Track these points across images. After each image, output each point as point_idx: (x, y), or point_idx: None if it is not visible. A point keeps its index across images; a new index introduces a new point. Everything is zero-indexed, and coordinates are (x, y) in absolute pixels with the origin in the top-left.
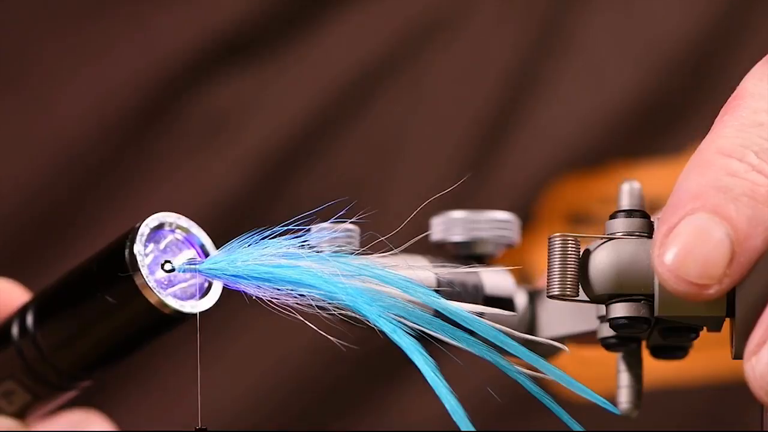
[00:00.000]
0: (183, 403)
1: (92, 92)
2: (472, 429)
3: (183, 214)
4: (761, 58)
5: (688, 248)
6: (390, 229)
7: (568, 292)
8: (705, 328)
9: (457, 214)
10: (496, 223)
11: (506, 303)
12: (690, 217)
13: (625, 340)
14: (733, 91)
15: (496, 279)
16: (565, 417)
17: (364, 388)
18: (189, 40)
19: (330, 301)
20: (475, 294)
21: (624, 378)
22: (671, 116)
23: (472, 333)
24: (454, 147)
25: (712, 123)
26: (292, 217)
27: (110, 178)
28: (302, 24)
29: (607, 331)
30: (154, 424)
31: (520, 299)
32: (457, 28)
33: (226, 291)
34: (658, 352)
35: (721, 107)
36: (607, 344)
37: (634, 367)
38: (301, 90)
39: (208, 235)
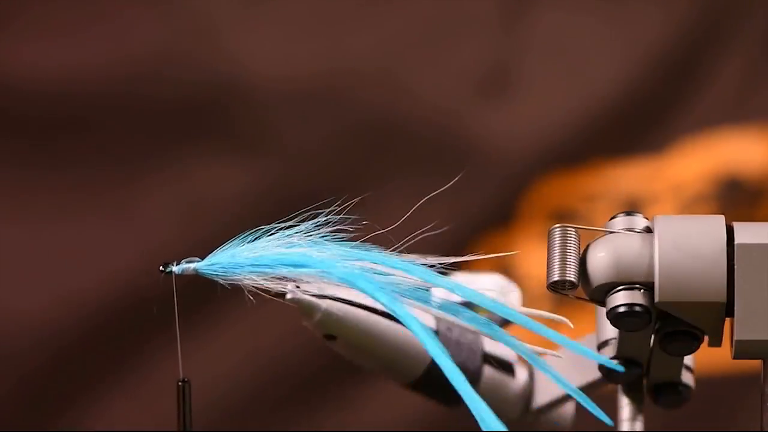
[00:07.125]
0: (162, 397)
1: None
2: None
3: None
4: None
5: None
6: (376, 225)
7: (569, 277)
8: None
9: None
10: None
11: (507, 366)
12: None
13: (627, 368)
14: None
15: (498, 344)
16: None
17: (338, 383)
18: None
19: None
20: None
21: (626, 412)
22: (653, 115)
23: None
24: (436, 145)
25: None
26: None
27: None
28: None
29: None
30: (133, 419)
31: (520, 369)
32: (439, 25)
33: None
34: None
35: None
36: (610, 377)
37: (637, 401)
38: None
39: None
